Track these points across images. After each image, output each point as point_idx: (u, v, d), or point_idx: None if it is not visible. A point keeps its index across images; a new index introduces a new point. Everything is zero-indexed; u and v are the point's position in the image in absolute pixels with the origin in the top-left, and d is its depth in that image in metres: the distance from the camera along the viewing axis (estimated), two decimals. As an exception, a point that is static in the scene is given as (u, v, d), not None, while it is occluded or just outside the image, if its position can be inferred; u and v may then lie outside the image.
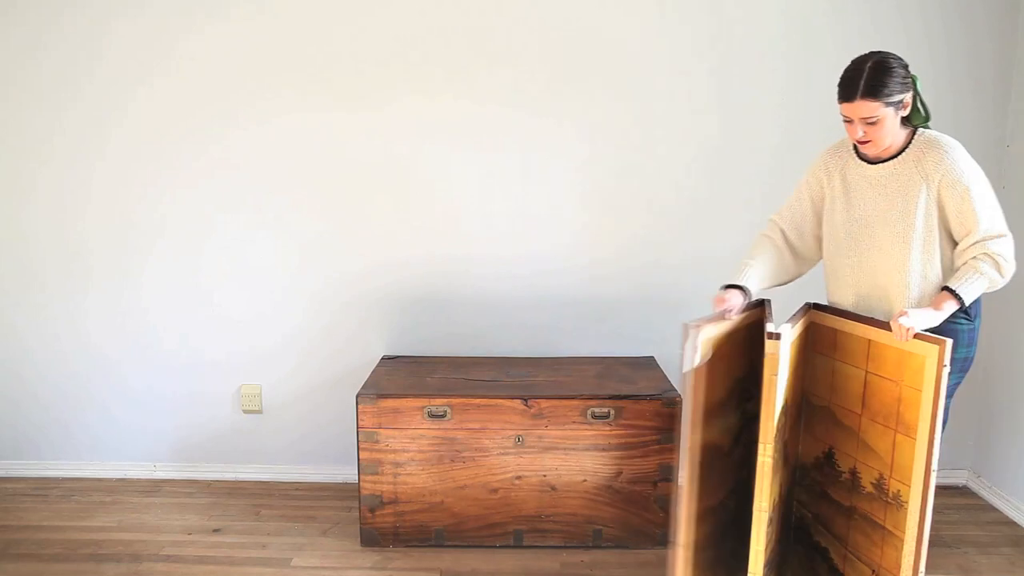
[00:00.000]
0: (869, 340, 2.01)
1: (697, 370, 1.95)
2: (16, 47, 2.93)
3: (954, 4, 2.88)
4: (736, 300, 2.10)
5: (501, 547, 2.69)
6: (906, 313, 1.88)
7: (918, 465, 1.88)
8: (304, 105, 2.95)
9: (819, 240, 2.28)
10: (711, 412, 2.07)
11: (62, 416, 3.19)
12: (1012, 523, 2.87)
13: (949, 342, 1.80)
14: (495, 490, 2.66)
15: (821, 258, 2.31)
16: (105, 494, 3.08)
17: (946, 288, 1.95)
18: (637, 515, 2.65)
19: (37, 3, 2.90)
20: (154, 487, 3.14)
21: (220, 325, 3.11)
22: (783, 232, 2.29)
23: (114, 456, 3.22)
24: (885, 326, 1.95)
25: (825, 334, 2.17)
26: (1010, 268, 1.95)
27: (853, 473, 2.08)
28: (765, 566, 2.05)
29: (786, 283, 2.30)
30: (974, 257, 1.96)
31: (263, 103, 2.95)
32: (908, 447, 1.90)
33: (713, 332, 2.01)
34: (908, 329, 1.86)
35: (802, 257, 2.30)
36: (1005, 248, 1.96)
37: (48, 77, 2.94)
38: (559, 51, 2.92)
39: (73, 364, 3.14)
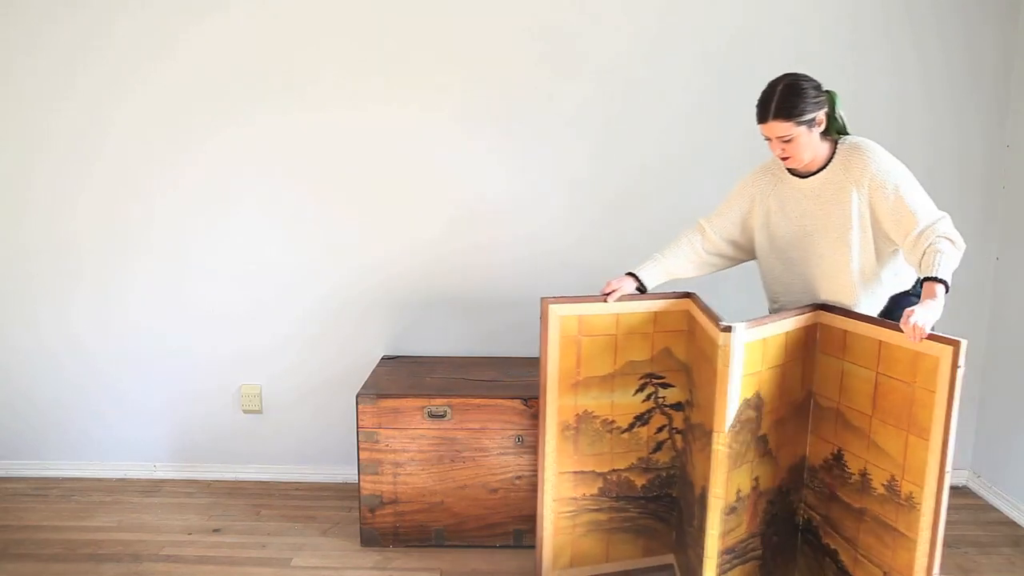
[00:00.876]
0: (880, 341, 2.01)
1: (551, 340, 2.31)
2: (12, 45, 2.93)
3: (954, 5, 2.88)
4: (624, 287, 2.33)
5: (501, 547, 2.69)
6: (913, 312, 1.89)
7: (932, 467, 1.88)
8: (304, 104, 2.95)
9: (743, 247, 2.42)
10: (585, 383, 2.38)
11: (62, 416, 3.19)
12: (1012, 523, 2.87)
13: (964, 343, 1.81)
14: (495, 490, 2.66)
15: (745, 260, 2.46)
16: (105, 494, 3.08)
17: (928, 279, 1.96)
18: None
19: (33, 1, 2.90)
20: (154, 487, 3.14)
21: (220, 325, 3.11)
22: (705, 233, 2.41)
23: (114, 456, 3.22)
24: (896, 327, 1.95)
25: (834, 335, 2.17)
26: (962, 242, 2.03)
27: (863, 475, 2.08)
28: (726, 552, 2.10)
29: (697, 276, 2.46)
30: (931, 244, 2.00)
31: (262, 101, 2.95)
32: (921, 448, 1.90)
33: (572, 310, 2.32)
34: (921, 328, 1.86)
35: (726, 257, 2.45)
36: (950, 226, 2.04)
37: (44, 75, 2.94)
38: (560, 52, 2.92)
39: (73, 364, 3.14)
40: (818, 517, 2.26)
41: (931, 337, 1.86)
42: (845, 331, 2.13)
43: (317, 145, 2.98)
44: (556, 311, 2.30)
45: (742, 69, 2.92)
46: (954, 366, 1.81)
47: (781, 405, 2.17)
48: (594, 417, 2.40)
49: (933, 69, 2.92)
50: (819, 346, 2.22)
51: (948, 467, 1.85)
